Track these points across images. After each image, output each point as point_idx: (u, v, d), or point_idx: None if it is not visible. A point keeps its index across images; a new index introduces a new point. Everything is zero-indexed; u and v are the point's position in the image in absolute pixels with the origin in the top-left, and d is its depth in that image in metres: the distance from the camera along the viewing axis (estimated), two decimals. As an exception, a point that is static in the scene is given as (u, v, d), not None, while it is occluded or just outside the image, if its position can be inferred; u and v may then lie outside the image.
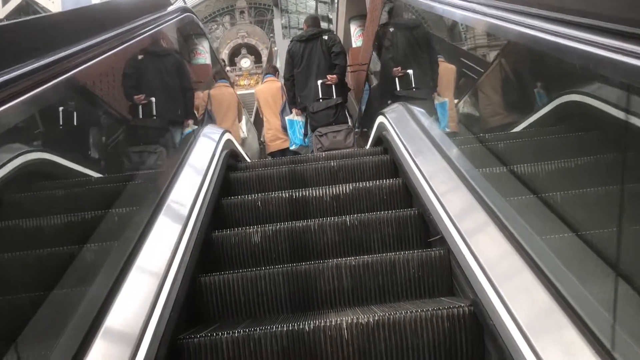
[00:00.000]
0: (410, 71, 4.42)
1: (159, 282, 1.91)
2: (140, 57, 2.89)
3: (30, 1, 34.63)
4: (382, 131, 4.16)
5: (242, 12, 63.64)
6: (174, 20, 3.66)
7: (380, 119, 4.42)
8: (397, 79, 4.62)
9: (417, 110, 3.80)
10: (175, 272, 2.04)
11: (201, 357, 1.94)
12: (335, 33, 6.30)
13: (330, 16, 31.65)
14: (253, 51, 60.35)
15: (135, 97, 2.62)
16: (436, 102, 3.64)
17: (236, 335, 1.96)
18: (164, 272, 1.98)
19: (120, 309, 1.65)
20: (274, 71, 7.27)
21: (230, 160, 4.06)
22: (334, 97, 5.42)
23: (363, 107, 9.73)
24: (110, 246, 1.90)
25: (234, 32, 61.50)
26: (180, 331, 2.01)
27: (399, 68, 4.60)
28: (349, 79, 14.53)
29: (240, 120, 6.54)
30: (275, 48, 24.29)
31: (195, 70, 4.77)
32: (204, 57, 5.23)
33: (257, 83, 48.23)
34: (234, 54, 60.24)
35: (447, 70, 3.73)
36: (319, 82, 5.38)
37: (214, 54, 6.17)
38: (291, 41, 5.95)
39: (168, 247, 2.15)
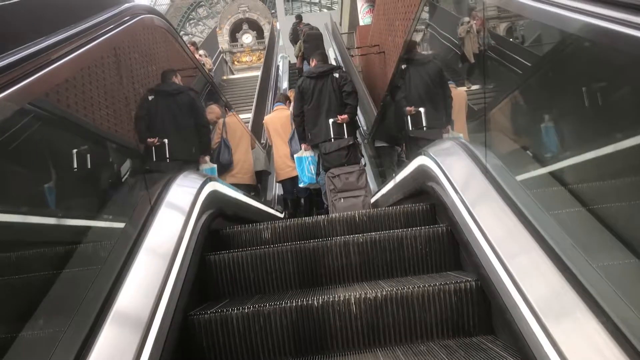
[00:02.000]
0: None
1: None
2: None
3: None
4: (428, 181, 2.98)
5: (243, -14, 63.13)
6: (120, 30, 2.26)
7: (422, 160, 3.18)
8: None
9: (492, 158, 2.35)
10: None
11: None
12: (345, 70, 6.11)
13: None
14: (255, 26, 59.79)
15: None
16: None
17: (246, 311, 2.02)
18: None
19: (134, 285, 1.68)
20: (285, 99, 7.17)
21: (216, 222, 3.06)
22: (346, 136, 5.42)
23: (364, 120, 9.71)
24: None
25: (235, 6, 60.86)
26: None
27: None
28: (358, 62, 14.40)
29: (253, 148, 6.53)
30: (278, 28, 23.92)
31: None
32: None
33: (260, 59, 47.87)
34: (235, 29, 59.72)
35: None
36: (330, 120, 5.39)
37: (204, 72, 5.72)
38: (301, 76, 5.98)
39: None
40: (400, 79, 5.42)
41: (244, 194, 4.57)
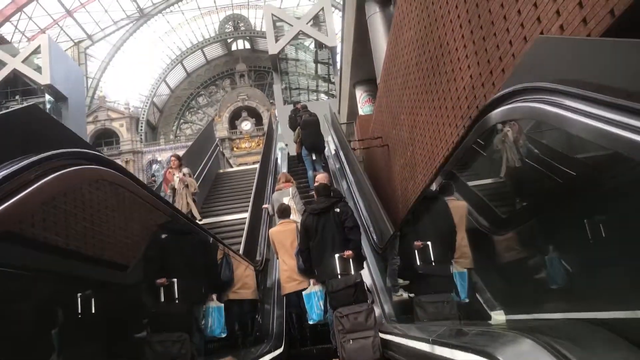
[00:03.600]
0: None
1: None
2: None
3: (19, 73, 34.05)
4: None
5: (242, 76, 64.53)
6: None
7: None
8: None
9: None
10: None
11: None
12: (346, 202, 5.97)
13: (333, 80, 31.80)
14: (253, 114, 60.73)
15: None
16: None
17: None
18: None
19: None
20: (287, 215, 6.98)
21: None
22: (352, 272, 5.30)
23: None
24: None
25: (234, 95, 62.09)
26: None
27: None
28: (359, 153, 13.82)
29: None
30: (276, 115, 23.77)
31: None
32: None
33: (259, 145, 48.23)
34: (235, 116, 60.58)
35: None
36: (336, 256, 5.31)
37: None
38: (304, 213, 6.00)
39: None
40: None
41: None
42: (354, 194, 10.45)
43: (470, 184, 3.74)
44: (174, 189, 9.06)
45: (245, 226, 7.25)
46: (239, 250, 6.24)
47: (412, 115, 8.18)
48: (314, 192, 6.52)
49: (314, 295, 5.59)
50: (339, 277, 5.28)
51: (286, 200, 7.66)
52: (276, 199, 8.03)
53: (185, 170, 9.39)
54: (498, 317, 3.30)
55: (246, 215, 8.51)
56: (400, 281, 6.02)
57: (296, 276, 6.18)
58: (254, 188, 9.80)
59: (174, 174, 9.25)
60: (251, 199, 8.92)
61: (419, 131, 7.81)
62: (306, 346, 6.63)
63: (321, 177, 6.99)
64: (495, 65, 4.55)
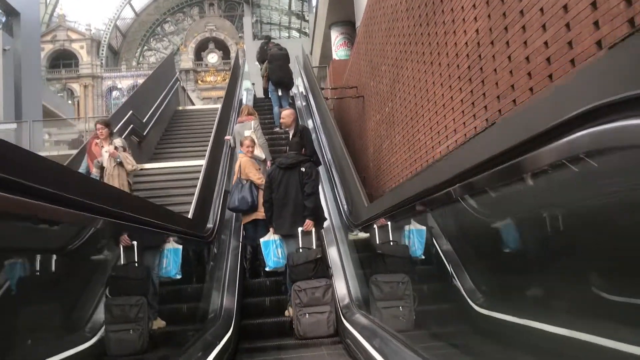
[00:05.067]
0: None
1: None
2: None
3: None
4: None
5: (211, 5, 61.43)
6: None
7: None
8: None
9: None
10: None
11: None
12: (312, 164, 5.85)
13: (307, 18, 30.10)
14: (221, 46, 58.19)
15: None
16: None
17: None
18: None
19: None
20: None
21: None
22: (314, 247, 5.42)
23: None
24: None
25: (202, 24, 59.23)
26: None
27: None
28: (330, 101, 12.87)
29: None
30: (244, 56, 22.38)
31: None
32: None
33: (224, 80, 46.26)
34: (201, 48, 57.97)
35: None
36: (299, 229, 5.43)
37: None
38: (273, 164, 6.06)
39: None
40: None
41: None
42: (321, 143, 9.55)
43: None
44: (102, 168, 6.66)
45: (199, 183, 6.22)
46: (188, 213, 5.32)
47: (395, 68, 7.29)
48: (278, 128, 7.43)
49: (272, 243, 5.61)
50: (300, 250, 5.37)
51: (248, 134, 7.26)
52: (237, 131, 7.74)
53: (117, 141, 6.79)
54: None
55: (202, 163, 7.49)
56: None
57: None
58: (213, 133, 8.81)
59: (102, 147, 6.71)
60: (209, 146, 7.91)
61: (402, 87, 6.96)
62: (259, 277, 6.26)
63: (287, 114, 6.97)
64: (514, 21, 3.71)
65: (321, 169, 7.56)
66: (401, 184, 5.91)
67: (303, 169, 5.59)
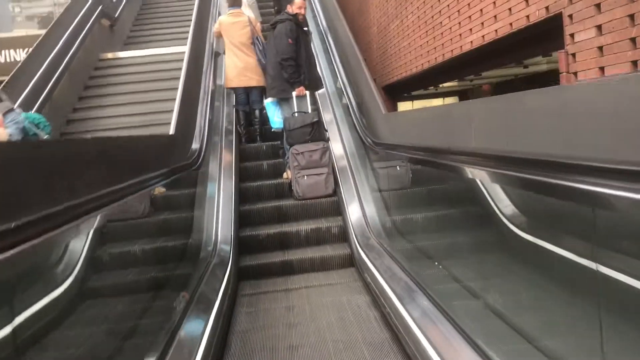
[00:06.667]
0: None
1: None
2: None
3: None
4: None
5: None
6: None
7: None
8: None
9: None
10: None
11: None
12: (287, 24, 5.55)
13: None
14: None
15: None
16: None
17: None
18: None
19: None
20: (238, 4, 6.40)
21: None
22: (309, 111, 5.62)
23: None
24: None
25: None
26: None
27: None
28: None
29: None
30: None
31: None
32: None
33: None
34: None
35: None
36: (294, 94, 5.59)
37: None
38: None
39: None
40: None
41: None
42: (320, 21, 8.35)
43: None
44: None
45: (178, 95, 4.68)
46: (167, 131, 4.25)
47: None
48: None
49: (270, 105, 5.82)
50: (296, 114, 5.51)
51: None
52: None
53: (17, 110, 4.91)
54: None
55: (184, 49, 6.27)
56: None
57: (248, 73, 6.13)
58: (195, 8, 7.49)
59: None
60: (190, 31, 6.70)
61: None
62: (255, 142, 6.42)
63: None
64: None
65: (316, 37, 7.39)
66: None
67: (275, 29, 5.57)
